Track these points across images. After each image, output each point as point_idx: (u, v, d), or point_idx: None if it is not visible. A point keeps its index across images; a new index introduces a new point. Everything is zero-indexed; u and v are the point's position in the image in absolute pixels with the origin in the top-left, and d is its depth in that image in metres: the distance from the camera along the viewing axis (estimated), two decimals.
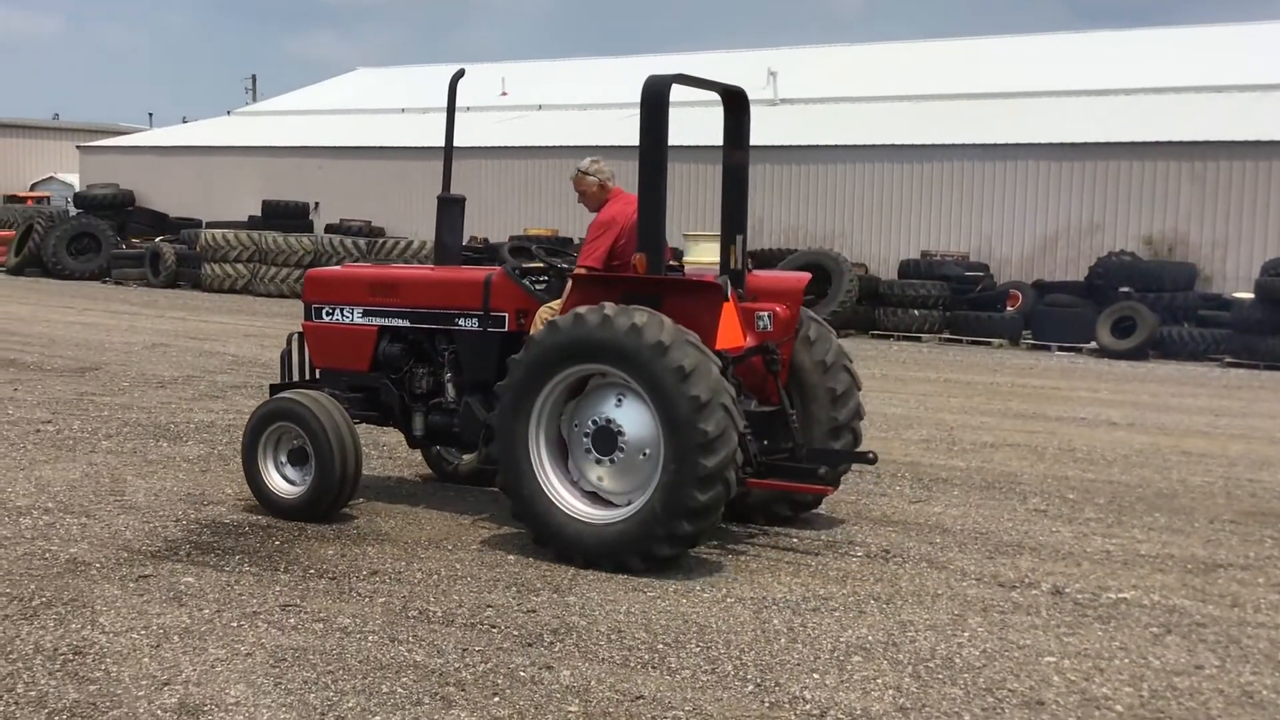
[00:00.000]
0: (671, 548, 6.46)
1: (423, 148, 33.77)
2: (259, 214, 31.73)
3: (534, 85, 37.21)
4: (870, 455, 7.34)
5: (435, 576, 6.41)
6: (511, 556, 6.83)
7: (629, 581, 6.40)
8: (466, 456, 8.61)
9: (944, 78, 30.44)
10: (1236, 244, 22.52)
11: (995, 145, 24.78)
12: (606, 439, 6.67)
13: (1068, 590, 6.46)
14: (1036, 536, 7.62)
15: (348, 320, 8.18)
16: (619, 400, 6.66)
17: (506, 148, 32.18)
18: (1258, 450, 11.10)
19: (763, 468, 6.88)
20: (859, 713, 4.78)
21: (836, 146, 25.97)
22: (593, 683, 5.00)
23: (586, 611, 5.90)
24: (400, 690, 4.86)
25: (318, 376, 8.38)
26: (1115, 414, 13.22)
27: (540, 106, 35.28)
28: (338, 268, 8.94)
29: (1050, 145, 24.35)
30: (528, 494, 6.77)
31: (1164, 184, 23.25)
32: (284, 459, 7.60)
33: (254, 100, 59.07)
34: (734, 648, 5.46)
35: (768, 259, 23.39)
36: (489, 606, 5.93)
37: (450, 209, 8.40)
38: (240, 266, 27.87)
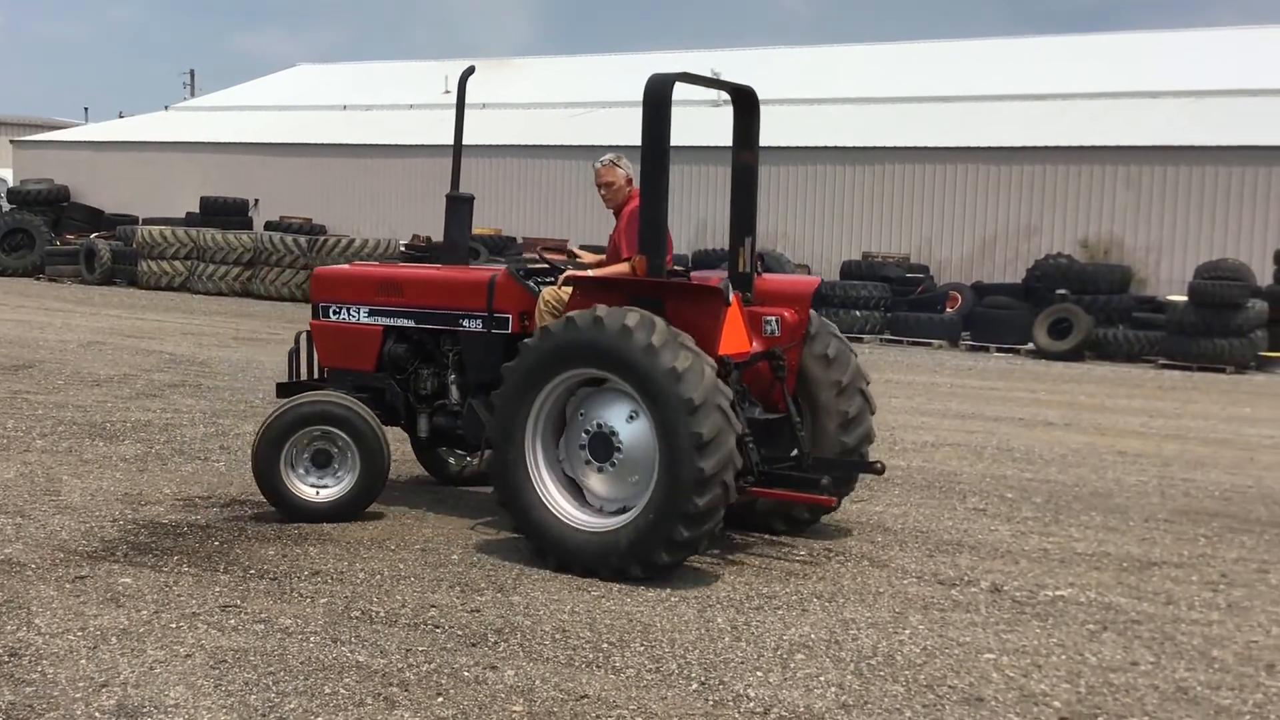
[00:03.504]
0: (670, 554, 6.29)
1: (364, 145, 33.54)
2: (197, 211, 31.33)
3: (477, 84, 37.04)
4: (878, 465, 7.20)
5: (378, 576, 6.37)
6: (455, 556, 6.80)
7: (573, 581, 6.40)
8: (471, 459, 8.54)
9: (887, 81, 30.70)
10: (1170, 248, 22.92)
11: (936, 149, 25.04)
12: (603, 445, 6.54)
13: (1006, 588, 6.54)
14: (976, 535, 7.71)
15: (354, 320, 8.13)
16: (632, 416, 6.47)
17: (449, 146, 32.00)
18: (1191, 450, 11.30)
19: (763, 476, 6.68)
20: (802, 710, 4.81)
21: (780, 148, 26.09)
22: (537, 682, 4.99)
23: (531, 611, 5.89)
24: (343, 691, 4.83)
25: (324, 376, 8.33)
26: (1052, 414, 13.41)
27: (484, 105, 35.13)
28: (346, 266, 8.83)
29: (989, 149, 24.65)
30: (524, 504, 6.64)
31: (1100, 188, 23.61)
32: (307, 462, 7.49)
33: (192, 95, 58.32)
34: (678, 646, 5.48)
35: (712, 259, 23.47)
36: (433, 606, 5.91)
37: (458, 208, 8.30)
38: (178, 264, 27.50)
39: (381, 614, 5.77)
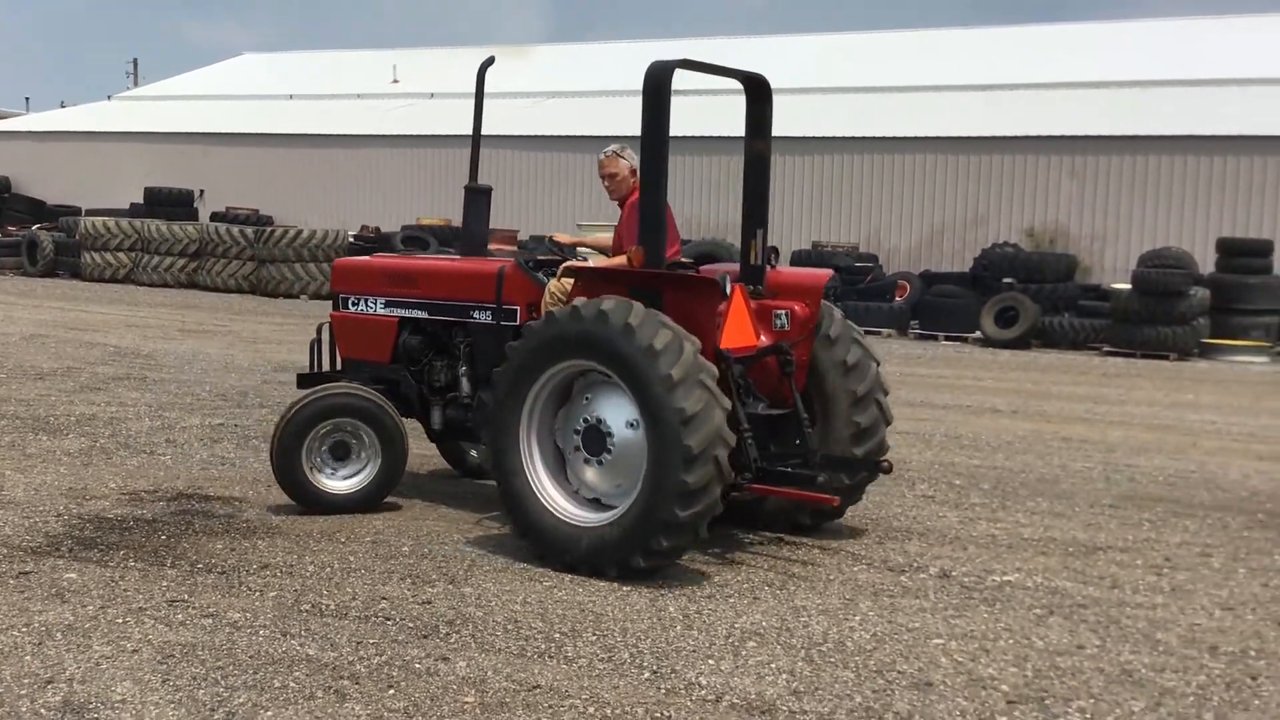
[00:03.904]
0: (669, 538, 6.13)
1: (312, 135, 33.26)
2: (141, 202, 30.95)
3: (426, 73, 36.85)
4: (884, 465, 7.06)
5: (328, 569, 6.33)
6: (406, 548, 6.77)
7: (526, 571, 6.39)
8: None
9: (835, 72, 30.84)
10: (1114, 236, 23.22)
11: (885, 138, 25.19)
12: (596, 439, 6.46)
13: (955, 574, 6.61)
14: (924, 521, 7.78)
15: (371, 311, 8.11)
16: (632, 423, 6.33)
17: (399, 136, 31.84)
18: (1135, 436, 11.46)
19: (762, 472, 6.50)
20: (753, 697, 4.83)
21: (730, 138, 26.14)
22: (489, 673, 4.98)
23: (483, 602, 5.87)
24: (293, 685, 4.79)
25: (342, 367, 8.32)
26: (999, 402, 13.55)
27: (433, 95, 34.95)
28: (365, 258, 8.78)
29: (938, 139, 24.83)
30: (516, 490, 6.57)
31: (1045, 178, 23.87)
32: (326, 454, 7.49)
33: (136, 85, 57.53)
34: (630, 635, 5.48)
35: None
36: (383, 598, 5.88)
37: (477, 199, 8.24)
38: (122, 255, 27.17)
39: (332, 607, 5.74)
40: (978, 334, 20.67)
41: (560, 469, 6.63)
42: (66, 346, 15.43)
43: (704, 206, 26.49)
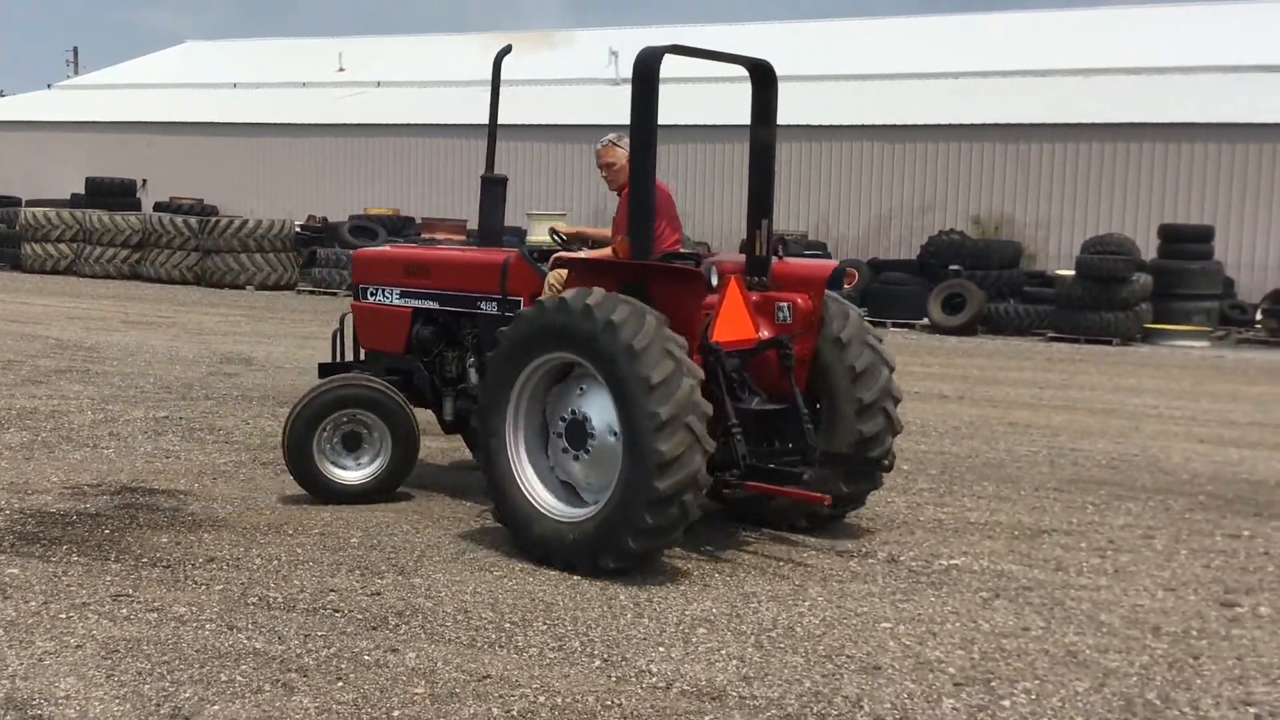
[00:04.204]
0: (617, 562, 6.03)
1: (257, 124, 32.92)
2: (82, 192, 30.49)
3: (372, 61, 36.56)
4: (885, 463, 6.84)
5: (275, 562, 6.28)
6: (355, 539, 6.73)
7: (475, 561, 6.37)
8: None
9: (783, 60, 30.90)
10: (1059, 223, 23.48)
11: (833, 126, 25.30)
12: (578, 433, 6.35)
13: (902, 558, 6.66)
14: (873, 507, 7.83)
15: (387, 301, 8.08)
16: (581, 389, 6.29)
17: (345, 125, 31.57)
18: (1079, 421, 11.60)
19: (750, 470, 6.37)
20: (704, 683, 4.85)
21: (678, 126, 26.15)
22: (439, 664, 4.96)
23: (432, 593, 5.85)
24: (240, 679, 4.75)
25: (363, 358, 8.29)
26: (946, 387, 13.66)
27: (379, 83, 34.68)
28: (384, 248, 8.71)
29: (885, 126, 24.97)
30: (499, 481, 6.48)
31: (991, 165, 24.08)
32: (338, 444, 7.51)
33: (76, 74, 56.62)
34: (581, 624, 5.48)
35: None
36: (332, 591, 5.84)
37: (492, 189, 8.16)
38: (63, 246, 26.77)
39: (279, 599, 5.69)
40: (925, 320, 20.83)
41: (545, 461, 6.53)
42: (7, 339, 15.18)
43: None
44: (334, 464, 7.52)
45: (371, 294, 8.22)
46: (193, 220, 26.04)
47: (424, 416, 7.91)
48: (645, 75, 6.32)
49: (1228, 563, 6.77)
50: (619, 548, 6.00)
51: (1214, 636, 5.56)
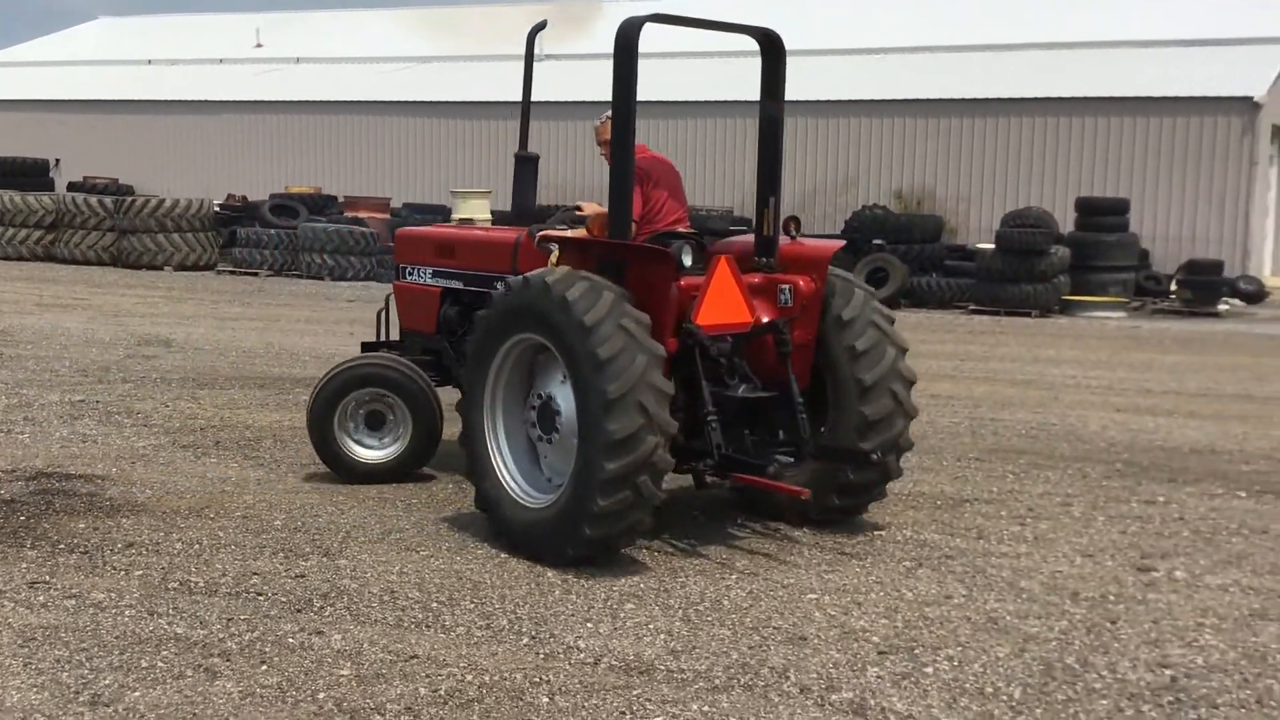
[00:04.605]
0: (576, 549, 5.83)
1: (173, 101, 32.31)
2: None
3: (290, 37, 35.99)
4: (873, 455, 6.36)
5: (196, 546, 6.19)
6: (278, 522, 6.65)
7: (401, 541, 6.33)
8: None
9: (705, 36, 30.90)
10: (979, 198, 23.77)
11: (754, 103, 25.35)
12: (547, 417, 6.18)
13: (827, 530, 6.72)
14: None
15: (421, 281, 7.97)
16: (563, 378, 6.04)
17: (263, 102, 31.07)
18: (999, 391, 11.77)
19: (726, 460, 6.10)
20: (632, 658, 4.87)
21: (602, 102, 26.09)
22: (365, 645, 4.93)
23: (358, 574, 5.80)
24: (161, 664, 4.68)
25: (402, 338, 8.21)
26: None
27: (298, 59, 34.16)
28: (424, 227, 8.57)
29: (807, 103, 25.06)
30: (477, 465, 6.34)
31: (912, 141, 24.31)
32: (361, 423, 7.49)
33: None
34: (508, 602, 5.47)
35: (539, 215, 23.34)
36: (254, 574, 5.77)
37: (525, 167, 8.02)
38: None
39: (200, 584, 5.62)
40: None
41: (521, 447, 6.37)
42: None
43: (578, 173, 26.41)
44: (356, 442, 7.50)
45: (409, 274, 8.16)
46: (108, 200, 25.47)
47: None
48: (625, 47, 6.06)
49: (1143, 528, 6.91)
50: (577, 536, 5.79)
51: (1130, 601, 5.68)
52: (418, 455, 7.55)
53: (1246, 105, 21.91)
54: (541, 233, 6.89)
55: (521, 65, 8.07)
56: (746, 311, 6.37)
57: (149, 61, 36.38)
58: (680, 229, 6.84)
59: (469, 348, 6.50)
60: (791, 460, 6.28)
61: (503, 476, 6.30)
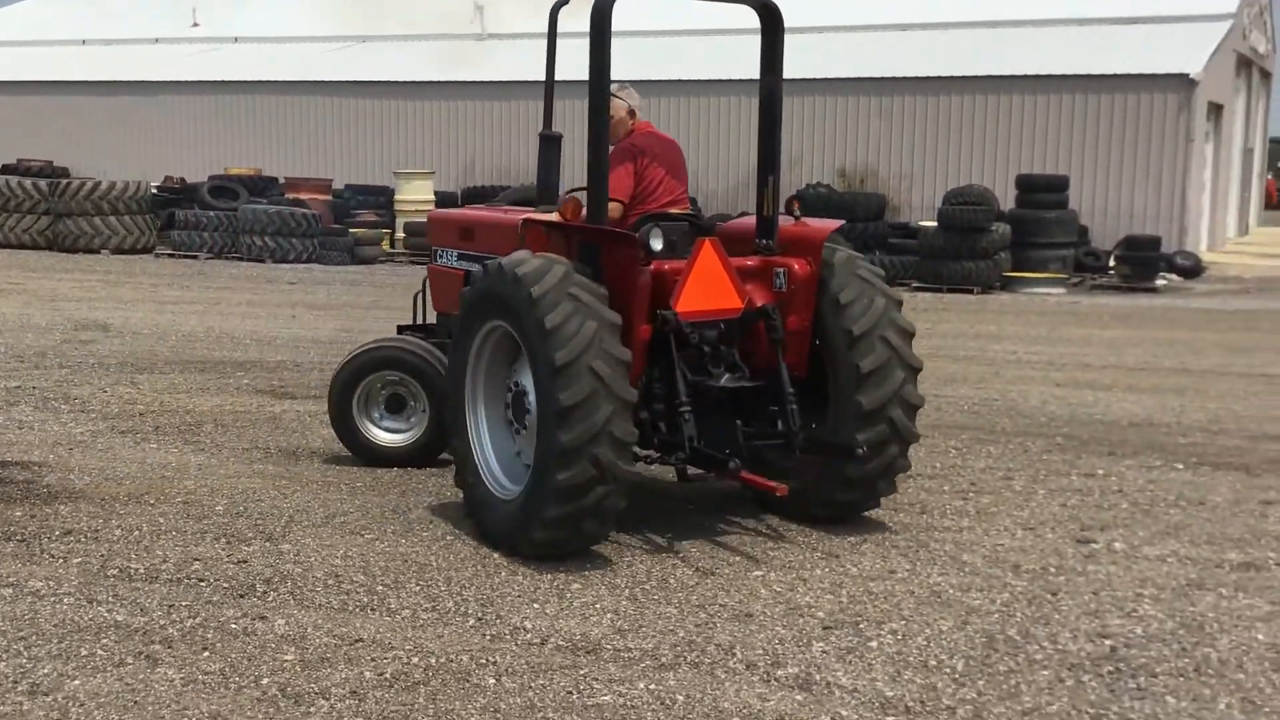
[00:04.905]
0: (544, 532, 5.60)
1: (108, 81, 31.77)
2: None
3: (227, 16, 35.43)
4: (859, 449, 6.02)
5: (136, 533, 6.11)
6: (220, 507, 6.58)
7: (346, 525, 6.28)
8: None
9: (646, 16, 30.80)
10: (921, 176, 23.90)
11: (699, 81, 25.32)
12: (519, 405, 5.99)
13: (772, 507, 6.74)
14: None
15: (448, 264, 7.79)
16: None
17: (201, 82, 30.60)
18: (942, 368, 11.86)
19: (696, 454, 5.84)
20: (579, 638, 4.87)
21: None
22: (309, 629, 4.89)
23: (301, 558, 5.76)
24: (101, 652, 4.62)
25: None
26: None
27: (236, 39, 33.66)
28: (452, 210, 8.34)
29: (748, 81, 25.06)
30: (459, 449, 6.20)
31: (855, 119, 24.39)
32: (382, 406, 7.42)
33: None
34: (455, 584, 5.45)
35: (480, 196, 23.25)
36: (196, 560, 5.71)
37: (549, 147, 7.81)
38: None
39: (141, 571, 5.55)
40: None
41: (502, 440, 6.18)
42: None
43: (521, 154, 26.28)
44: (375, 425, 7.44)
45: (439, 256, 7.98)
46: (42, 183, 24.99)
47: None
48: (598, 25, 5.90)
49: (1083, 501, 7.01)
50: (542, 518, 5.58)
51: (1071, 573, 5.76)
52: (435, 440, 7.34)
53: (1183, 82, 22.17)
54: (525, 216, 6.71)
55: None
56: (735, 296, 6.08)
57: (83, 41, 35.69)
58: (675, 210, 6.58)
59: (453, 331, 6.36)
60: (780, 453, 6.06)
61: (482, 469, 6.15)
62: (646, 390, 6.00)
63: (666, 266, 6.05)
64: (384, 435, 7.46)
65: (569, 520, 5.59)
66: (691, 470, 5.95)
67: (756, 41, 6.55)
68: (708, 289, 6.02)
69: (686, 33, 27.25)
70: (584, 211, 6.14)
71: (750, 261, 6.29)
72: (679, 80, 25.24)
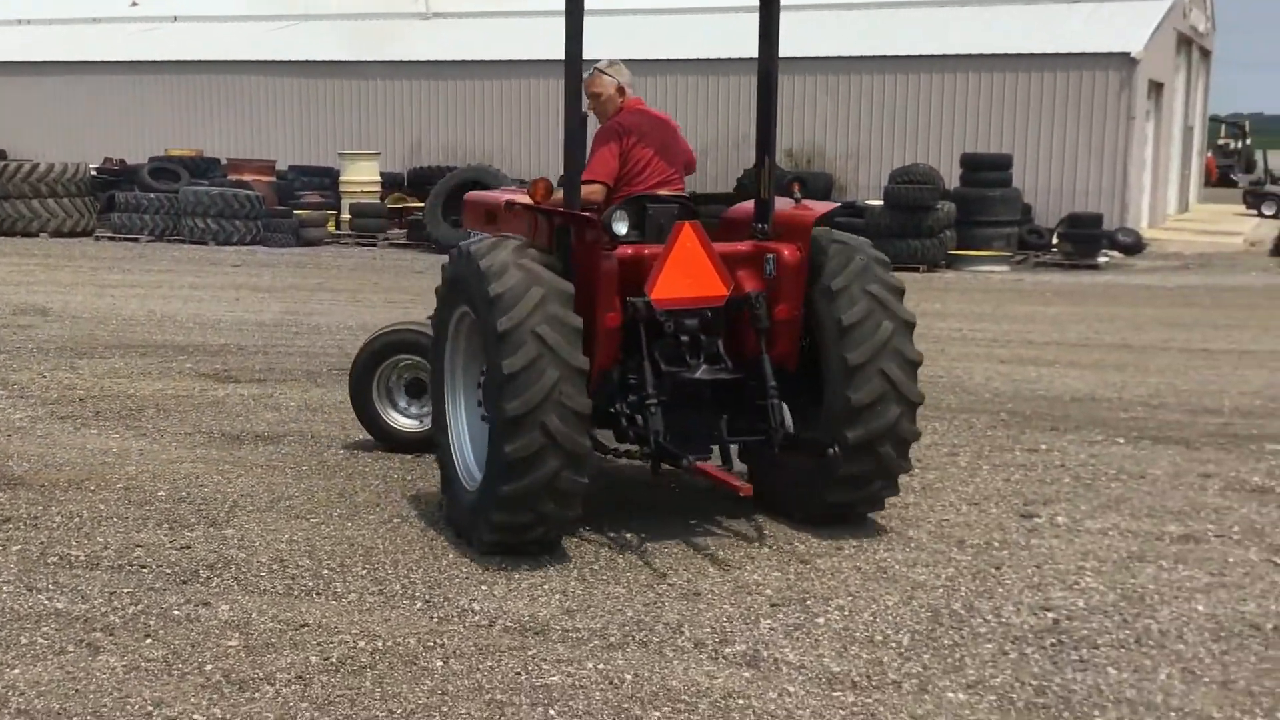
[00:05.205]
0: (501, 514, 5.35)
1: (45, 62, 31.20)
2: None
3: None
4: (832, 449, 5.63)
5: (77, 519, 6.02)
6: (162, 492, 6.50)
7: (291, 509, 6.23)
8: None
9: None
10: (867, 155, 24.00)
11: (646, 60, 25.21)
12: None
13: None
14: None
15: None
16: None
17: (141, 62, 30.12)
18: None
19: (661, 449, 5.56)
20: (527, 619, 4.86)
21: (491, 62, 25.76)
22: (254, 615, 4.85)
23: (245, 543, 5.70)
24: (41, 640, 4.56)
25: None
26: None
27: (175, 18, 33.13)
28: (486, 192, 7.97)
29: (697, 60, 25.07)
30: (439, 437, 6.07)
31: (802, 98, 24.41)
32: (401, 391, 7.33)
33: None
34: (402, 568, 5.42)
35: (427, 176, 23.09)
36: (138, 546, 5.63)
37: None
38: None
39: (81, 558, 5.47)
40: None
41: (479, 430, 5.96)
42: None
43: (467, 134, 26.11)
44: (395, 409, 7.35)
45: (471, 239, 7.81)
46: None
47: None
48: (570, 2, 5.69)
49: (1026, 476, 7.08)
50: (498, 497, 5.34)
51: (1014, 547, 5.82)
52: None
53: (1124, 61, 22.38)
54: (507, 199, 6.54)
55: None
56: (719, 284, 5.74)
57: (20, 21, 34.99)
58: (665, 191, 6.28)
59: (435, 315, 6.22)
60: (763, 450, 5.85)
61: (456, 459, 5.97)
62: (621, 381, 5.75)
63: (647, 251, 5.78)
64: (405, 421, 7.36)
65: (524, 499, 5.30)
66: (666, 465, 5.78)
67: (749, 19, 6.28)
68: (688, 275, 5.71)
69: (684, 10, 27.25)
70: (558, 193, 5.89)
71: (742, 246, 6.00)
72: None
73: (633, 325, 5.70)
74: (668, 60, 25.11)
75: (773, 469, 6.08)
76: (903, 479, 6.90)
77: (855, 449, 5.71)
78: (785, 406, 5.78)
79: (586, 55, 5.84)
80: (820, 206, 6.14)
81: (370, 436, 7.43)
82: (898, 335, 5.76)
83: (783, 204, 6.11)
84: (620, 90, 6.51)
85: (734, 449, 6.08)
